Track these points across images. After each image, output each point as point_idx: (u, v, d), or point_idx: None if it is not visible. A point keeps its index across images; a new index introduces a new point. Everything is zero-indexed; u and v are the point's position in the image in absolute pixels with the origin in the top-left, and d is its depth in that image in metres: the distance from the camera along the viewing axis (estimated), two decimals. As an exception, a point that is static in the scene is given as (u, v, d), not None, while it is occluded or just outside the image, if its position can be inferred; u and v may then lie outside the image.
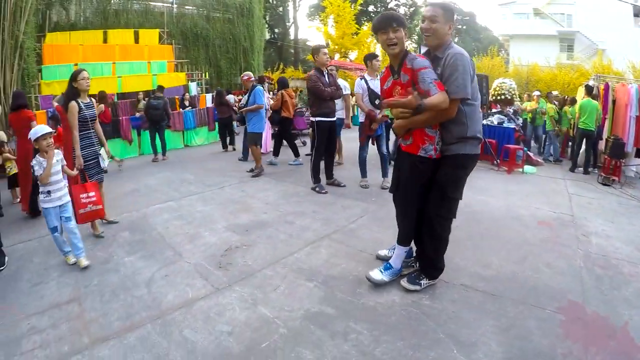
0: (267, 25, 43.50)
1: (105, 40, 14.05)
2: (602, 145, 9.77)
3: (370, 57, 6.68)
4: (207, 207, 5.70)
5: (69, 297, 3.31)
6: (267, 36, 43.38)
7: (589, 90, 10.10)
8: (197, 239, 4.47)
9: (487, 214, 5.68)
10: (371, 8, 49.78)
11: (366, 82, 6.31)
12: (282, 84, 9.11)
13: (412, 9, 54.18)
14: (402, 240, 3.51)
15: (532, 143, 12.37)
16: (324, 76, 6.21)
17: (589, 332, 3.08)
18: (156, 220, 5.15)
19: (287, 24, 48.41)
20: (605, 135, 9.85)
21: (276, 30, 47.38)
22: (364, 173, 6.75)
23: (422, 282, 3.43)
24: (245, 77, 8.16)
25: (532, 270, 4.00)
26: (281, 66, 30.72)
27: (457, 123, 3.14)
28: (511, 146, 9.29)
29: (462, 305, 3.30)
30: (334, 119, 6.44)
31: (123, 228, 4.89)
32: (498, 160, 9.37)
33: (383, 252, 3.91)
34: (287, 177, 7.44)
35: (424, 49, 6.18)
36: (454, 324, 3.03)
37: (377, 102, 6.18)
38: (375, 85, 6.09)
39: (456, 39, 57.41)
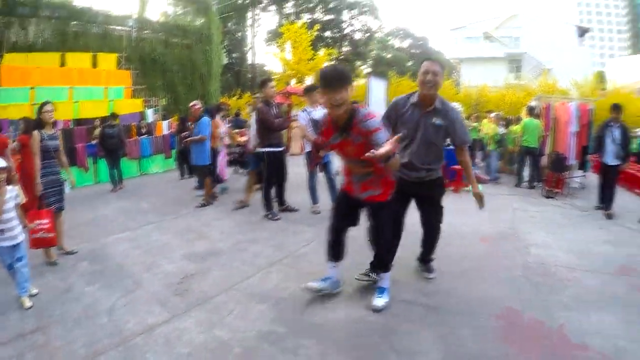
0: (225, 50, 43.67)
1: (62, 63, 13.70)
2: (545, 160, 10.43)
3: (308, 90, 7.11)
4: (164, 236, 5.89)
5: (33, 327, 3.43)
6: (225, 60, 43.58)
7: (530, 111, 11.00)
8: (155, 268, 4.66)
9: (456, 237, 6.02)
10: (328, 33, 50.60)
11: (308, 113, 6.67)
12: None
13: (367, 35, 55.31)
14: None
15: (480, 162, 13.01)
16: (272, 108, 6.58)
17: (525, 335, 3.45)
18: (114, 250, 5.31)
19: (245, 48, 48.68)
20: (547, 151, 10.54)
21: (234, 55, 47.49)
22: (315, 199, 7.06)
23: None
24: (196, 107, 8.17)
25: (471, 283, 4.40)
26: (238, 91, 30.88)
27: (440, 156, 4.22)
28: (457, 167, 9.81)
29: (404, 319, 3.62)
30: (282, 148, 6.83)
31: (82, 258, 5.01)
32: (447, 180, 9.88)
33: (315, 285, 3.84)
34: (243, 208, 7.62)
35: (376, 80, 6.70)
36: (396, 337, 3.34)
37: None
38: (317, 115, 6.47)
39: (410, 63, 58.97)
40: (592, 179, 9.70)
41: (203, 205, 7.71)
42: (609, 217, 7.78)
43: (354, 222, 3.82)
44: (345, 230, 3.86)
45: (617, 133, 7.88)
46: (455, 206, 7.44)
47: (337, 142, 3.42)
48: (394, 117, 4.08)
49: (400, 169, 3.88)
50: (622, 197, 8.79)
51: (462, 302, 3.96)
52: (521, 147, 10.81)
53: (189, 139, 7.96)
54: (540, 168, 10.72)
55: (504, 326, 3.56)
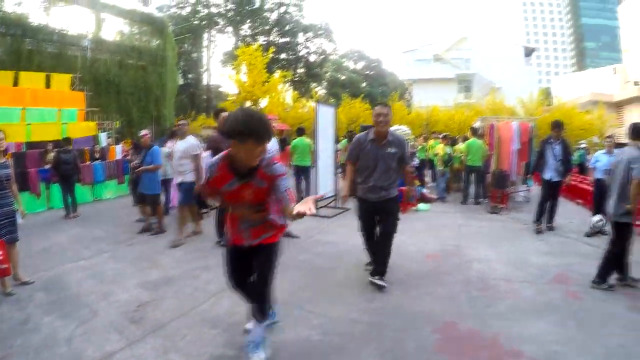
0: (180, 71, 43.46)
1: (16, 83, 13.35)
2: (489, 178, 11.17)
3: (216, 114, 7.39)
4: (119, 264, 6.01)
5: (-6, 359, 3.56)
6: (180, 81, 43.38)
7: (474, 131, 11.80)
8: (111, 297, 4.80)
9: None
10: (283, 55, 51.06)
11: None
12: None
13: (322, 57, 55.95)
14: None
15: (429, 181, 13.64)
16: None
17: (462, 345, 3.79)
18: (70, 279, 5.40)
19: (201, 69, 48.62)
20: (492, 168, 11.26)
21: (189, 76, 47.28)
22: None
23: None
24: (147, 136, 8.13)
25: (415, 299, 4.76)
26: (193, 113, 30.83)
27: (397, 178, 5.32)
28: (404, 188, 10.22)
29: (349, 337, 3.91)
30: None
31: (38, 288, 5.08)
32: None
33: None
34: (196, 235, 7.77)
35: (324, 108, 7.56)
36: (341, 355, 3.63)
37: None
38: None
39: (364, 84, 59.93)
40: (537, 191, 10.19)
41: (156, 233, 7.80)
42: (550, 229, 8.33)
43: (249, 273, 3.46)
44: (246, 283, 3.51)
45: (557, 149, 8.24)
46: (402, 226, 7.84)
47: (235, 187, 3.12)
48: (356, 152, 5.27)
49: (365, 194, 5.20)
50: (564, 207, 9.37)
51: (406, 317, 4.30)
52: (466, 166, 11.45)
53: (141, 168, 7.90)
54: (485, 185, 11.36)
55: (443, 338, 3.89)
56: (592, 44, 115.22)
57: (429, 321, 4.22)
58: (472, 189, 11.86)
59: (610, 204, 5.36)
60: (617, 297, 5.08)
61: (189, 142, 7.35)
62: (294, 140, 11.76)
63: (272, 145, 7.09)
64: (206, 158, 6.76)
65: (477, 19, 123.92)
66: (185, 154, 7.23)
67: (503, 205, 10.69)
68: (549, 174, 8.26)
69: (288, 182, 3.16)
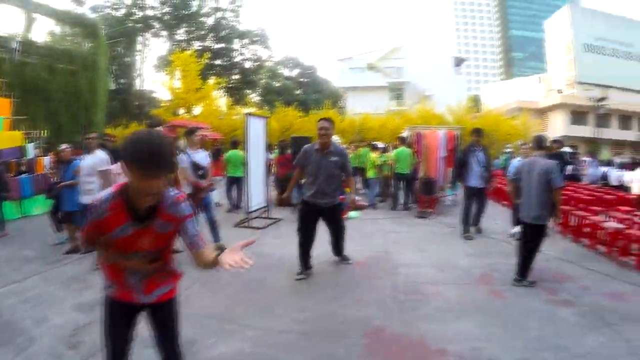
0: (112, 76, 42.17)
1: None
2: (417, 184, 11.92)
3: (189, 133, 7.49)
4: (51, 287, 5.88)
5: None
6: (112, 86, 42.08)
7: (402, 140, 12.35)
8: (46, 322, 4.72)
9: None
10: (218, 62, 50.58)
11: (189, 156, 7.09)
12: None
13: (257, 64, 55.79)
14: None
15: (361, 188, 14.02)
16: None
17: (390, 347, 4.05)
18: (2, 306, 5.25)
19: (134, 74, 47.31)
20: (420, 175, 11.99)
21: (122, 81, 45.69)
22: None
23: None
24: (67, 150, 8.01)
25: (344, 307, 5.00)
26: (124, 121, 30.08)
27: (340, 186, 6.33)
28: (343, 197, 10.54)
29: (281, 347, 4.12)
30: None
31: (-32, 316, 4.90)
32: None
33: None
34: None
35: (254, 120, 8.07)
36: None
37: (200, 172, 7.09)
38: (197, 158, 7.14)
39: (298, 91, 60.19)
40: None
41: (74, 252, 7.50)
42: (478, 232, 8.84)
43: (131, 339, 2.73)
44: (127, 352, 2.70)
45: (481, 155, 8.60)
46: None
47: (130, 233, 2.37)
48: (303, 161, 6.13)
49: (313, 198, 6.09)
50: (489, 209, 9.76)
51: (336, 325, 4.55)
52: (395, 173, 11.94)
53: (62, 183, 7.75)
54: (413, 192, 11.88)
55: (371, 343, 4.15)
56: (520, 54, 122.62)
57: (358, 327, 4.48)
58: (401, 196, 12.32)
59: (526, 207, 5.87)
60: (536, 293, 5.62)
61: (97, 157, 6.83)
62: (228, 152, 11.93)
63: (204, 157, 7.28)
64: (182, 159, 6.99)
65: (411, 29, 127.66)
66: (92, 170, 6.68)
67: (431, 210, 11.31)
68: (473, 181, 8.61)
69: (195, 225, 2.54)
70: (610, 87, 48.38)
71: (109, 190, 2.36)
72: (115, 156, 6.69)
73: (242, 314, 4.87)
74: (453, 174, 11.76)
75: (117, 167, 5.94)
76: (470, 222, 8.83)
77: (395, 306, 5.11)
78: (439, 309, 5.03)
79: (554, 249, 7.78)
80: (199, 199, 7.04)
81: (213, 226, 7.49)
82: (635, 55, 54.37)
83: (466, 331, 4.44)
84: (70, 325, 4.62)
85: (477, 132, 9.03)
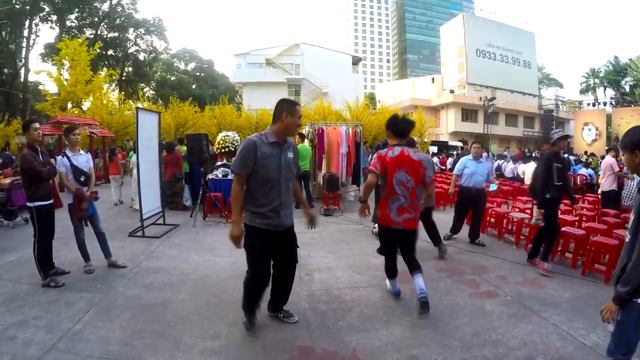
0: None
1: None
2: (321, 180, 11.96)
3: (67, 131, 6.50)
4: None
5: None
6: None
7: (302, 137, 12.21)
8: None
9: (214, 278, 6.12)
10: (110, 52, 48.14)
11: (68, 158, 6.19)
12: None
13: (152, 55, 53.84)
14: None
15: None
16: (39, 154, 5.82)
17: None
18: None
19: (19, 64, 43.43)
20: (322, 172, 12.06)
21: (5, 71, 42.03)
22: (85, 257, 6.39)
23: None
24: None
25: (261, 329, 4.42)
26: (6, 117, 27.55)
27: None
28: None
29: None
30: (52, 201, 6.02)
31: None
32: (226, 212, 10.24)
33: None
34: (6, 273, 6.36)
35: (145, 114, 7.22)
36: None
37: (82, 178, 6.20)
38: (78, 161, 6.23)
39: (194, 86, 58.90)
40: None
41: None
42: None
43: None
44: None
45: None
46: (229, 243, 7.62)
47: None
48: (252, 160, 3.90)
49: (265, 221, 4.02)
50: None
51: (255, 350, 4.04)
52: (296, 170, 11.75)
53: None
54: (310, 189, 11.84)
55: None
56: (414, 56, 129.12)
57: (281, 350, 4.02)
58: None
59: None
60: (458, 287, 5.73)
61: None
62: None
63: (86, 160, 6.45)
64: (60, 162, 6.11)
65: (310, 28, 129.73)
66: None
67: (335, 207, 11.23)
68: None
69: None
70: (498, 88, 54.28)
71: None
72: None
73: (144, 350, 4.09)
74: (355, 168, 11.89)
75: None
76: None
77: (316, 319, 4.70)
78: (365, 316, 4.76)
79: (464, 241, 8.19)
80: (82, 211, 6.20)
81: (101, 238, 6.60)
82: (522, 62, 59.91)
83: (399, 338, 4.22)
84: None
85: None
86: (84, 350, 4.07)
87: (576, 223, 8.07)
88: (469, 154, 8.62)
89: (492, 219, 9.24)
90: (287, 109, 4.10)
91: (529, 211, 9.36)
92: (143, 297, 5.45)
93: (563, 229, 7.07)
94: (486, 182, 8.44)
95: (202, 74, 64.04)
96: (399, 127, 5.02)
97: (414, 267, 4.85)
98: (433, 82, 59.65)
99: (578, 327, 4.50)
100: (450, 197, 10.08)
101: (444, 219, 9.23)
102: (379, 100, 63.54)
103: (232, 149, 12.70)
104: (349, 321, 4.64)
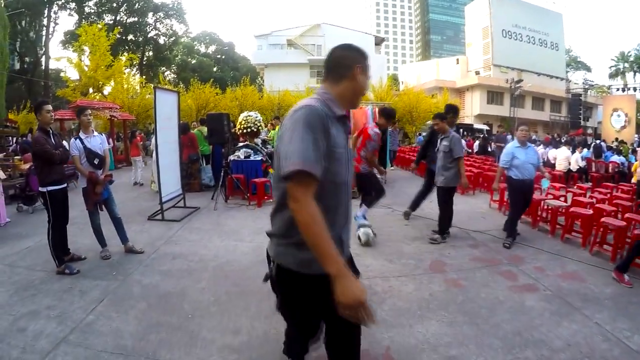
0: (16, 54, 38.97)
1: None
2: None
3: (79, 113, 6.15)
4: None
5: None
6: (17, 66, 38.92)
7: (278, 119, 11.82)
8: None
9: (235, 264, 5.79)
10: (130, 37, 48.15)
11: (81, 141, 5.87)
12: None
13: (172, 39, 53.83)
14: None
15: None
16: (50, 137, 5.56)
17: None
18: None
19: (40, 52, 43.63)
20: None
21: (26, 59, 42.37)
22: (102, 242, 6.16)
23: None
24: None
25: (283, 323, 4.00)
26: (28, 104, 27.60)
27: None
28: (257, 180, 9.81)
29: None
30: (65, 185, 5.79)
31: None
32: (248, 195, 9.97)
33: None
34: (21, 260, 6.12)
35: (164, 94, 6.51)
36: None
37: (95, 161, 5.89)
38: (93, 144, 5.90)
39: (215, 69, 58.83)
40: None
41: None
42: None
43: None
44: None
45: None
46: (258, 224, 7.82)
47: None
48: (325, 145, 2.02)
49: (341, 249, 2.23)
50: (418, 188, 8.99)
51: (277, 348, 3.50)
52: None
53: None
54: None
55: None
56: (437, 37, 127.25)
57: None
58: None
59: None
60: (496, 280, 5.35)
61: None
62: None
63: (101, 142, 6.13)
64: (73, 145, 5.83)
65: (332, 8, 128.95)
66: None
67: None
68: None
69: None
70: (525, 70, 52.31)
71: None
72: None
73: (162, 344, 3.77)
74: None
75: None
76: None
77: (348, 313, 4.34)
78: (398, 310, 4.40)
79: (497, 228, 7.66)
80: (97, 195, 5.91)
81: (117, 224, 6.31)
82: (549, 43, 57.55)
83: (435, 335, 3.87)
84: None
85: (452, 109, 7.92)
86: (95, 344, 3.79)
87: (613, 213, 7.34)
88: (512, 138, 7.92)
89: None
90: (360, 61, 2.31)
91: (563, 198, 8.72)
92: (160, 285, 5.16)
93: (602, 219, 6.60)
94: (536, 170, 7.30)
95: (223, 57, 63.85)
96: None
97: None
98: (457, 63, 57.89)
99: (622, 327, 4.16)
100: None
101: (474, 203, 8.82)
102: (402, 82, 62.56)
103: (255, 130, 12.33)
104: (381, 315, 4.22)
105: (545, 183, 8.54)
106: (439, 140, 7.24)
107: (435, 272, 5.32)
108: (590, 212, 7.13)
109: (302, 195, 1.89)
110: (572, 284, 5.29)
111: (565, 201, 8.32)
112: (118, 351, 3.66)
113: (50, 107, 5.59)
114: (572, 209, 7.31)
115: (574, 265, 6.01)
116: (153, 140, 8.49)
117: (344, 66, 2.30)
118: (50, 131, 5.67)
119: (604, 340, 3.89)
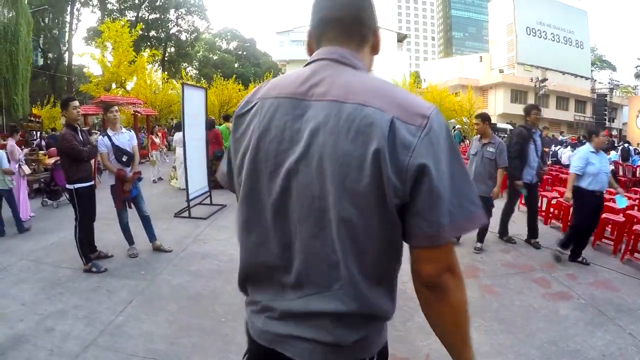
0: (40, 50, 39.34)
1: None
2: None
3: (105, 109, 6.02)
4: None
5: None
6: (40, 62, 39.27)
7: (227, 118, 12.24)
8: None
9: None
10: (152, 33, 48.42)
11: (109, 138, 5.72)
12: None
13: (194, 35, 54.04)
14: None
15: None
16: (78, 134, 5.44)
17: None
18: None
19: (63, 48, 44.09)
20: None
21: (50, 55, 42.81)
22: (130, 240, 6.02)
23: None
24: None
25: None
26: (52, 99, 27.75)
27: None
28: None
29: None
30: (92, 183, 5.68)
31: None
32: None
33: None
34: (46, 256, 5.99)
35: (191, 90, 6.08)
36: None
37: (124, 159, 5.73)
38: (121, 141, 5.75)
39: (237, 65, 58.88)
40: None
41: None
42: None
43: None
44: None
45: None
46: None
47: None
48: None
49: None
50: None
51: None
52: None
53: None
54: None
55: None
56: (459, 34, 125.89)
57: None
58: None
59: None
60: (529, 286, 5.26)
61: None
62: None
63: (129, 139, 5.98)
64: (101, 142, 5.68)
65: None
66: None
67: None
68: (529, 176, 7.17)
69: None
70: (549, 69, 50.74)
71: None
72: None
73: (196, 349, 3.61)
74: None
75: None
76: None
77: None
78: None
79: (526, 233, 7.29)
80: (125, 193, 5.77)
81: (145, 222, 6.17)
82: (574, 42, 56.54)
83: (473, 344, 3.57)
84: None
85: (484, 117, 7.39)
86: (126, 348, 3.63)
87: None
88: (565, 143, 7.30)
89: (555, 210, 8.49)
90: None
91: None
92: (190, 286, 4.98)
93: (635, 227, 6.27)
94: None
95: (244, 53, 64.02)
96: None
97: None
98: (481, 60, 57.17)
99: (655, 339, 4.06)
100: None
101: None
102: (424, 79, 62.05)
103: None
104: (418, 322, 4.01)
105: (622, 201, 6.64)
106: (477, 144, 6.89)
107: (469, 278, 5.13)
108: (623, 219, 6.83)
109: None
110: (604, 292, 5.18)
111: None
112: (150, 356, 3.49)
113: (77, 103, 5.47)
114: (603, 215, 6.81)
115: (605, 273, 5.85)
116: (175, 136, 8.32)
117: (366, 25, 1.32)
118: (78, 127, 5.56)
119: (638, 353, 3.80)
